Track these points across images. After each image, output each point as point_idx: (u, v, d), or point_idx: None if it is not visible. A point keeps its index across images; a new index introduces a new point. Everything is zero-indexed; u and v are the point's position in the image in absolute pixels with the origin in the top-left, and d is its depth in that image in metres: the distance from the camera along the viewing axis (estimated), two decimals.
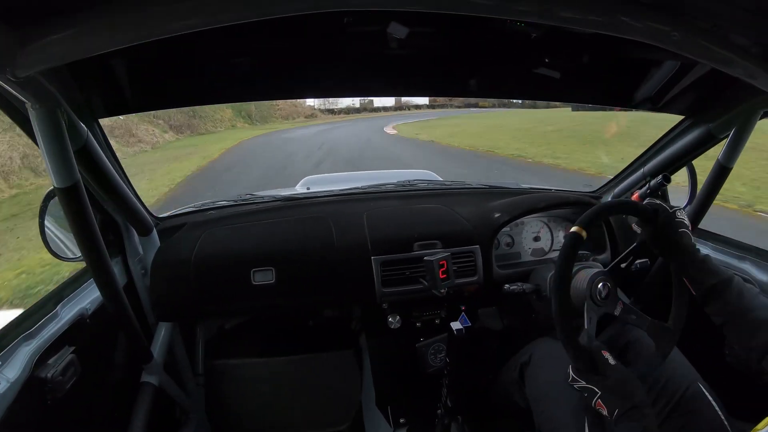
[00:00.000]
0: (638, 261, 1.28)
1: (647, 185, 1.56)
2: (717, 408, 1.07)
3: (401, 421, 1.68)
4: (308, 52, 1.18)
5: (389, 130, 24.20)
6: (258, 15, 0.61)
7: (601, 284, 1.14)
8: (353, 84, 1.40)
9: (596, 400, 0.95)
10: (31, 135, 0.94)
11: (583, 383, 0.98)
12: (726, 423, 1.06)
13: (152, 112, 18.26)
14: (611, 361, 0.98)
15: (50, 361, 1.09)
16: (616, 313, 1.14)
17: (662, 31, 0.65)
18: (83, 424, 1.24)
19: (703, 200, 1.49)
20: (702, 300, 1.02)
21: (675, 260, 1.08)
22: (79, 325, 1.21)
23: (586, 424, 1.05)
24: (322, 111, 43.20)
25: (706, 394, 1.10)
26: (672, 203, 1.65)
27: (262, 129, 27.65)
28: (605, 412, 0.93)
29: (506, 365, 1.45)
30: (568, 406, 1.11)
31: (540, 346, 1.35)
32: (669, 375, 1.14)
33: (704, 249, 1.58)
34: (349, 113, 44.56)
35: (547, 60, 1.27)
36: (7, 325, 1.08)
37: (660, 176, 1.52)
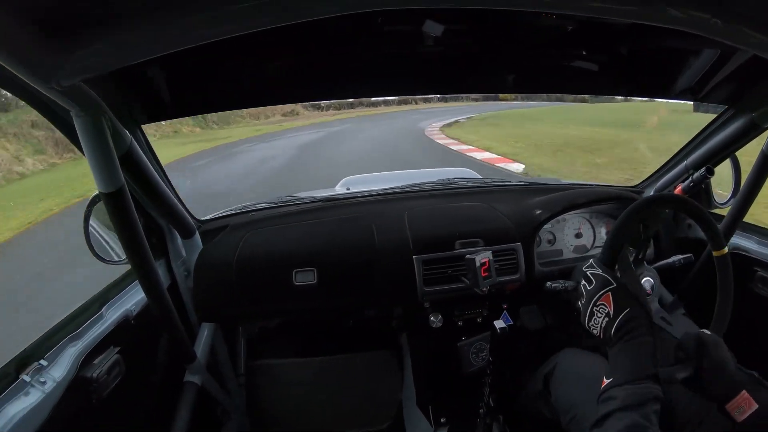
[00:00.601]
0: (682, 257, 1.24)
1: (690, 178, 1.52)
2: None
3: (442, 420, 1.66)
4: (343, 52, 1.18)
5: (439, 137, 14.95)
6: (295, 18, 0.60)
7: (645, 280, 1.11)
8: (388, 83, 1.40)
9: (604, 294, 0.91)
10: (75, 142, 0.96)
11: (599, 271, 0.95)
12: None
13: None
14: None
15: (96, 361, 1.12)
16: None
17: (703, 19, 0.63)
18: (127, 423, 1.26)
19: (747, 193, 1.43)
20: None
21: None
22: (123, 326, 1.24)
23: None
24: (305, 107, 30.88)
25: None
26: (716, 196, 1.62)
27: (213, 139, 17.73)
28: (608, 310, 0.89)
29: (528, 380, 1.43)
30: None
31: (565, 356, 1.32)
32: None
33: (748, 243, 1.52)
34: (341, 109, 32.15)
35: (584, 52, 1.24)
36: (54, 327, 1.11)
37: (703, 168, 1.48)
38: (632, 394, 0.83)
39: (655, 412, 0.82)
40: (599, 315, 0.91)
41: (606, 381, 0.88)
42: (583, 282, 0.98)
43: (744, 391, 0.89)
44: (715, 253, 1.08)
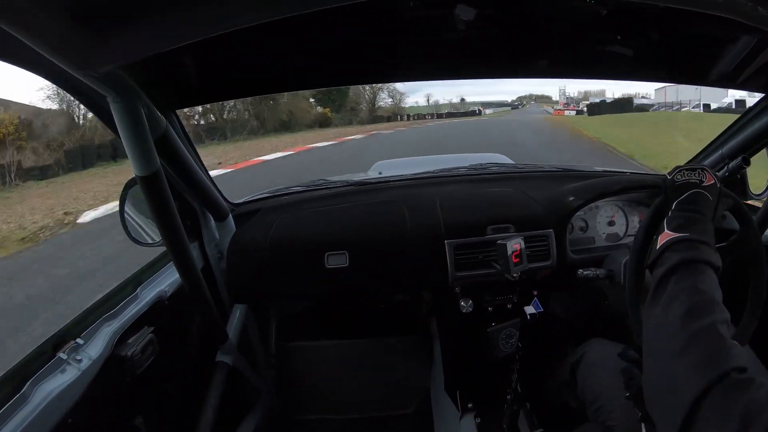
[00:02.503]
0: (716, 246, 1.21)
1: (726, 167, 1.48)
2: None
3: (469, 406, 1.66)
4: (373, 37, 1.18)
5: None
6: (328, 3, 0.61)
7: None
8: (422, 67, 1.38)
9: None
10: (112, 127, 0.98)
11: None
12: None
13: None
14: None
15: (130, 341, 1.15)
16: None
17: (741, 4, 0.61)
18: (160, 401, 1.30)
19: None
20: None
21: None
22: (157, 306, 1.27)
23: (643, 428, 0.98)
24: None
25: None
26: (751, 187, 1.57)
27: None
28: (670, 228, 0.83)
29: (553, 370, 1.43)
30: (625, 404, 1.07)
31: (592, 346, 1.31)
32: None
33: None
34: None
35: (618, 37, 1.21)
36: (90, 306, 1.15)
37: (739, 158, 1.44)
38: (693, 248, 0.78)
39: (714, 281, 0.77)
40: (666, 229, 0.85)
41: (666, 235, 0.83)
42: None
43: None
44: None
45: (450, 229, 1.56)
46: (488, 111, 56.91)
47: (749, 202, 1.58)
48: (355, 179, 2.02)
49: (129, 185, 1.28)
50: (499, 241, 1.43)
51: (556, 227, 1.58)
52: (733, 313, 0.99)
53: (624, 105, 39.19)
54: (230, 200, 1.71)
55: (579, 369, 1.27)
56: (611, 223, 1.73)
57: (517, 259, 1.41)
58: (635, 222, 1.73)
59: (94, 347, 1.05)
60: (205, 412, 1.36)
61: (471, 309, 1.59)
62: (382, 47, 1.23)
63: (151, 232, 1.35)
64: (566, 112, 43.38)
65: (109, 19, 0.63)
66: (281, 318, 2.01)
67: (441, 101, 62.64)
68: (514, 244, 1.40)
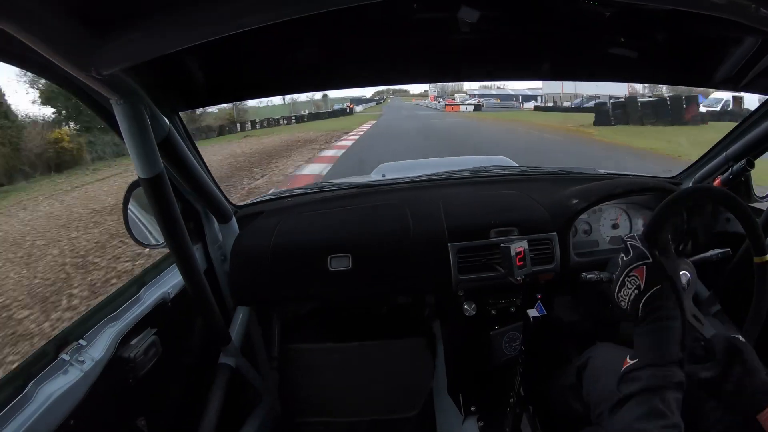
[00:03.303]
0: (719, 251, 1.20)
1: (730, 170, 1.47)
2: None
3: (472, 409, 1.66)
4: (378, 39, 1.18)
5: None
6: (332, 5, 0.61)
7: (681, 273, 1.08)
8: (425, 70, 1.38)
9: (638, 266, 0.90)
10: (115, 129, 0.98)
11: (639, 243, 0.95)
12: None
13: None
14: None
15: (133, 342, 1.15)
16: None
17: (745, 6, 0.61)
18: (162, 403, 1.30)
19: None
20: None
21: None
22: (160, 308, 1.27)
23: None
24: None
25: None
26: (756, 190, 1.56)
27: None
28: (639, 282, 0.88)
29: (559, 374, 1.42)
30: None
31: (598, 350, 1.31)
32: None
33: None
34: None
35: (622, 39, 1.21)
36: (93, 308, 1.15)
37: (743, 160, 1.43)
38: (654, 377, 0.82)
39: (676, 400, 0.81)
40: (629, 286, 0.91)
41: (629, 361, 0.87)
42: (622, 253, 0.97)
43: None
44: (756, 260, 1.05)
45: (453, 232, 1.56)
46: (358, 108, 49.51)
47: (753, 204, 1.57)
48: (358, 181, 2.02)
49: (133, 187, 1.28)
50: (502, 245, 1.44)
51: (559, 230, 1.58)
52: (736, 314, 0.99)
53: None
54: (233, 202, 1.71)
55: (585, 373, 1.27)
56: (615, 226, 1.72)
57: (521, 263, 1.41)
58: (639, 225, 1.73)
59: (97, 349, 1.06)
60: (207, 414, 1.35)
61: (474, 312, 1.59)
62: (386, 49, 1.23)
63: (155, 233, 1.36)
64: (462, 107, 40.63)
65: (114, 21, 0.63)
66: (284, 320, 2.01)
67: (300, 98, 52.74)
68: (518, 248, 1.40)
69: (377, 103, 68.67)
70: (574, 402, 1.30)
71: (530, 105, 42.57)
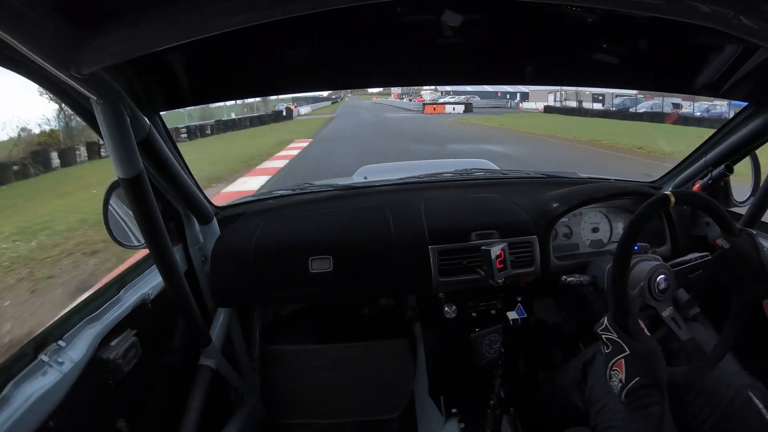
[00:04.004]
0: (698, 255, 1.23)
1: (709, 175, 1.50)
2: None
3: (453, 411, 1.66)
4: (360, 41, 1.18)
5: None
6: (314, 7, 0.61)
7: (661, 277, 1.10)
8: (405, 72, 1.39)
9: (618, 360, 0.93)
10: (95, 128, 0.97)
11: (614, 336, 0.96)
12: None
13: None
14: (646, 332, 0.98)
15: (113, 344, 1.14)
16: (664, 314, 1.11)
17: (725, 15, 0.62)
18: (142, 405, 1.29)
19: (766, 191, 1.41)
20: None
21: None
22: (140, 309, 1.26)
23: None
24: None
25: (756, 402, 1.05)
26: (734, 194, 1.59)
27: None
28: (621, 376, 0.91)
29: (565, 367, 1.42)
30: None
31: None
32: (716, 381, 1.10)
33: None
34: None
35: (604, 45, 1.23)
36: (72, 309, 1.13)
37: (722, 166, 1.46)
38: None
39: None
40: (615, 379, 0.93)
41: None
42: (602, 346, 1.00)
43: None
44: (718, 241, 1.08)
45: (434, 234, 1.56)
46: (304, 109, 41.20)
47: (732, 209, 1.60)
48: (340, 183, 2.03)
49: (113, 187, 1.27)
50: (483, 247, 1.44)
51: (540, 233, 1.59)
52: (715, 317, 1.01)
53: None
54: (215, 203, 1.71)
55: (591, 368, 1.27)
56: (595, 230, 1.74)
57: (501, 265, 1.42)
58: (619, 228, 1.75)
59: (76, 350, 1.04)
60: (187, 416, 1.35)
61: (455, 315, 1.60)
62: (369, 52, 1.24)
63: (135, 234, 1.35)
64: (448, 108, 33.43)
65: (95, 19, 0.63)
66: (265, 322, 2.00)
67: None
68: (498, 250, 1.41)
69: (333, 102, 61.83)
70: (577, 397, 1.31)
71: (533, 105, 36.79)
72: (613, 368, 0.93)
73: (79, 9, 0.61)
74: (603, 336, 0.99)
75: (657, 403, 0.88)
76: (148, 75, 1.10)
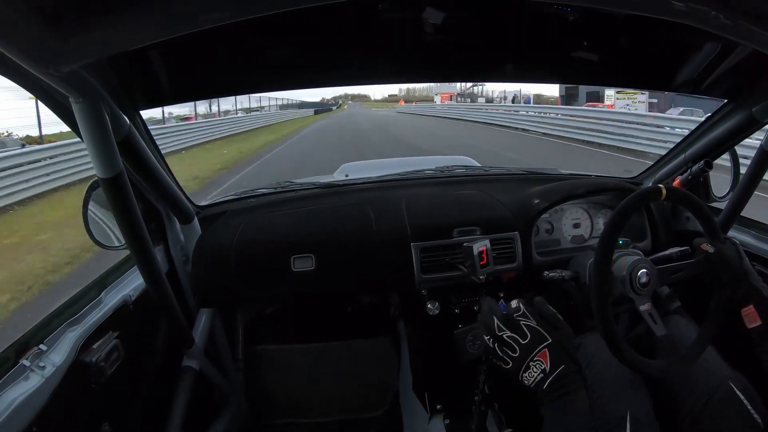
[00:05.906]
0: (679, 249, 1.24)
1: (689, 171, 1.52)
2: (751, 409, 1.03)
3: (438, 407, 1.68)
4: (342, 39, 1.18)
5: None
6: (295, 3, 0.61)
7: (642, 271, 1.11)
8: (387, 70, 1.39)
9: (541, 350, 0.90)
10: (74, 127, 0.96)
11: (532, 323, 0.94)
12: (762, 424, 1.01)
13: None
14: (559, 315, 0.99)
15: (95, 346, 1.12)
16: (641, 308, 1.11)
17: (704, 12, 0.63)
18: (126, 407, 1.28)
19: (745, 187, 1.43)
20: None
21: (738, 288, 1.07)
22: (122, 311, 1.25)
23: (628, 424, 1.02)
24: None
25: (738, 393, 1.05)
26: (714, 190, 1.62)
27: None
28: (544, 366, 0.88)
29: None
30: (622, 392, 1.10)
31: (590, 336, 1.31)
32: (698, 374, 1.10)
33: (746, 237, 1.52)
34: None
35: (585, 43, 1.24)
36: (53, 312, 1.12)
37: (702, 162, 1.48)
38: None
39: None
40: (535, 370, 0.89)
41: None
42: (510, 332, 0.94)
43: (752, 305, 1.03)
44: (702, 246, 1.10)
45: (416, 231, 1.56)
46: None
47: (712, 204, 1.62)
48: (321, 181, 2.02)
49: (92, 187, 1.25)
50: (465, 244, 1.45)
51: (521, 230, 1.60)
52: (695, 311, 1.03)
53: None
54: (196, 202, 1.69)
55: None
56: (576, 226, 1.76)
57: (484, 262, 1.42)
58: (600, 224, 1.77)
59: (58, 354, 1.03)
60: (172, 418, 1.34)
61: (438, 311, 1.60)
62: (350, 49, 1.23)
63: (116, 234, 1.33)
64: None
65: (73, 17, 0.62)
66: (248, 322, 1.99)
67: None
68: (480, 247, 1.42)
69: (317, 112, 51.53)
70: None
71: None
72: (536, 359, 0.90)
73: (57, 6, 0.60)
74: (521, 323, 0.94)
75: (580, 388, 0.87)
76: (128, 73, 1.09)
